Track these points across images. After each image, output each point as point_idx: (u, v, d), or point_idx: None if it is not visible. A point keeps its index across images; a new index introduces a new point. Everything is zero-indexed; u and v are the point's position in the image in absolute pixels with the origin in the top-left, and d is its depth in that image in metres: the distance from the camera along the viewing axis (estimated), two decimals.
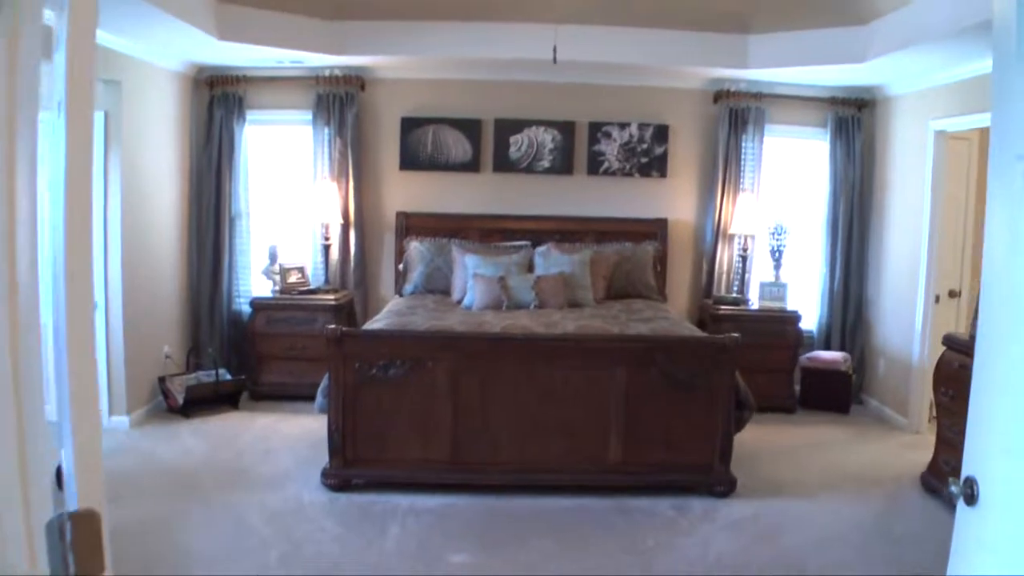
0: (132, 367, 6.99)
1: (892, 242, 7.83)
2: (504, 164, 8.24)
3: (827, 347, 8.21)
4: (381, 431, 5.53)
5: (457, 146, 8.20)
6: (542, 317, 6.46)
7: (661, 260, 8.14)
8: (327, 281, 8.15)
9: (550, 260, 7.53)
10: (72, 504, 1.64)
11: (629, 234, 8.13)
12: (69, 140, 1.64)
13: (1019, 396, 1.93)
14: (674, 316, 6.90)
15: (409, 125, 8.20)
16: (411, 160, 8.24)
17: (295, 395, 7.54)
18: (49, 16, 1.65)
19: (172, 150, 7.70)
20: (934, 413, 6.53)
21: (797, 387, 7.98)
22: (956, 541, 2.22)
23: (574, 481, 5.59)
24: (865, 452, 6.77)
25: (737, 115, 8.10)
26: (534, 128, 8.20)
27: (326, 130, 8.05)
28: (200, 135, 8.08)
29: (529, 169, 8.24)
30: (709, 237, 8.24)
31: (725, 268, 8.26)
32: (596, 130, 8.23)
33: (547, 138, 8.20)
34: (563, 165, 8.24)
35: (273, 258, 7.99)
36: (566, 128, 8.21)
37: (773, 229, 8.00)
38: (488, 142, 8.25)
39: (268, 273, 7.98)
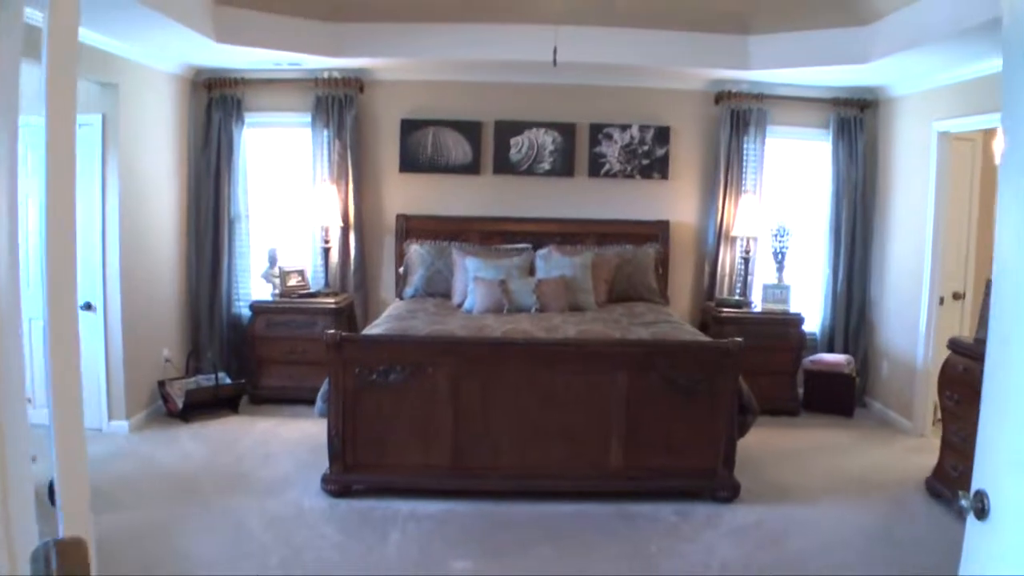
0: (131, 371, 6.96)
1: (895, 244, 7.78)
2: (504, 166, 8.20)
3: (830, 350, 8.17)
4: (381, 436, 5.49)
5: (457, 148, 8.16)
6: (543, 321, 6.41)
7: (663, 262, 8.09)
8: (327, 284, 8.11)
9: (551, 263, 7.48)
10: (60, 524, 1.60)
11: (630, 236, 8.08)
12: (49, 141, 1.60)
13: None
14: (676, 319, 6.85)
15: (409, 127, 8.16)
16: (411, 162, 8.20)
17: (295, 399, 7.51)
18: (35, 16, 1.61)
19: (170, 153, 7.66)
20: (938, 416, 6.47)
21: (800, 390, 7.94)
22: (966, 557, 2.17)
23: (576, 487, 5.54)
24: (869, 456, 6.73)
25: (739, 116, 8.05)
26: (534, 130, 8.16)
27: (325, 132, 8.01)
28: (198, 138, 8.04)
29: (530, 171, 8.20)
30: (711, 239, 8.20)
31: (727, 270, 8.22)
32: (597, 132, 8.19)
33: (548, 140, 8.16)
34: (564, 167, 8.20)
35: (273, 261, 7.96)
36: (567, 130, 8.17)
37: (775, 231, 7.96)
38: (488, 144, 8.21)
39: (268, 276, 7.95)
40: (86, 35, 6.05)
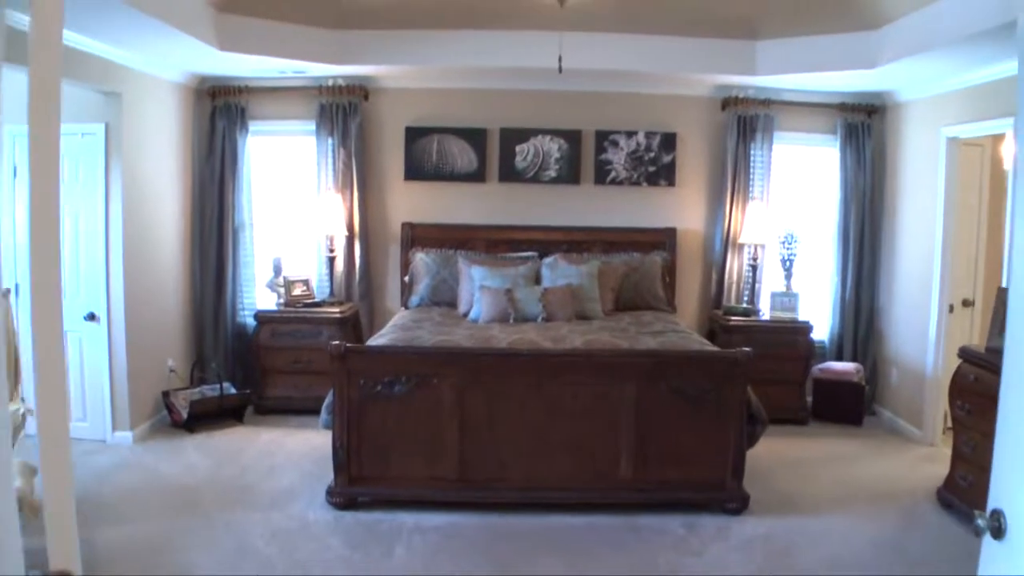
0: (135, 381, 6.93)
1: (904, 250, 7.72)
2: (510, 174, 8.17)
3: (839, 358, 8.11)
4: (387, 448, 5.45)
5: (462, 156, 8.12)
6: (550, 331, 6.36)
7: (670, 270, 8.04)
8: (332, 293, 8.08)
9: (557, 271, 7.44)
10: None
11: (637, 244, 8.04)
12: (33, 146, 1.56)
13: None
14: (684, 328, 6.80)
15: (413, 135, 8.13)
16: (416, 170, 8.17)
17: (301, 409, 7.47)
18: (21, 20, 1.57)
19: (174, 161, 7.64)
20: (948, 424, 6.43)
21: (809, 399, 7.88)
22: None
23: (583, 499, 5.49)
24: (879, 465, 6.66)
25: (745, 122, 8.01)
26: (540, 137, 8.12)
27: (330, 140, 7.99)
28: (202, 146, 8.02)
29: (535, 179, 8.17)
30: (718, 247, 8.14)
31: (735, 278, 8.17)
32: (603, 139, 8.15)
33: (553, 147, 8.13)
34: (570, 174, 8.16)
35: (277, 270, 7.92)
36: (572, 137, 8.13)
37: (783, 238, 7.91)
38: (494, 151, 8.17)
39: (272, 286, 7.91)
40: (88, 44, 6.06)
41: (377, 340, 6.23)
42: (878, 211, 8.11)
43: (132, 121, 6.79)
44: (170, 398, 7.32)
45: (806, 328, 7.72)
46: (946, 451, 6.07)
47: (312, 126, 8.04)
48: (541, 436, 5.42)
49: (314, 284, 8.12)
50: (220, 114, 7.91)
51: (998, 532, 1.99)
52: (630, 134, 8.13)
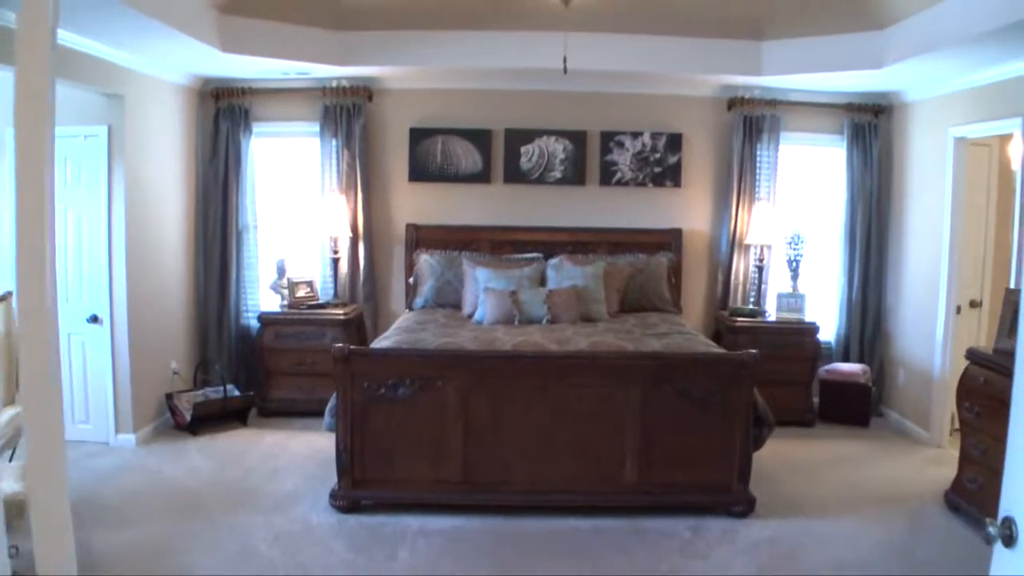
0: (138, 384, 6.91)
1: (911, 251, 7.68)
2: (515, 175, 8.14)
3: (846, 359, 8.06)
4: (390, 451, 5.42)
5: (467, 157, 8.09)
6: (555, 333, 6.32)
7: (676, 272, 8.01)
8: (336, 295, 8.05)
9: (563, 273, 7.40)
10: None
11: (643, 245, 8.00)
12: (18, 146, 1.53)
13: None
14: (690, 330, 6.76)
15: (418, 136, 8.10)
16: (420, 171, 8.14)
17: (304, 411, 7.45)
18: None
19: (178, 163, 7.62)
20: (956, 426, 6.38)
21: (816, 400, 7.83)
22: None
23: (588, 502, 5.45)
24: (886, 468, 6.62)
25: (751, 123, 7.97)
26: (545, 138, 8.09)
27: (334, 142, 7.96)
28: (206, 148, 8.01)
29: (540, 180, 8.14)
30: (724, 247, 8.11)
31: (741, 279, 8.13)
32: (608, 139, 8.12)
33: (558, 148, 8.09)
34: (575, 175, 8.12)
35: (281, 272, 7.90)
36: (577, 138, 8.10)
37: (790, 239, 7.87)
38: (498, 152, 8.15)
39: (276, 287, 7.89)
40: (90, 46, 6.04)
41: (381, 342, 6.20)
42: (885, 211, 8.07)
43: (135, 123, 6.78)
44: (173, 400, 7.31)
45: (813, 329, 7.68)
46: (953, 453, 6.03)
47: (316, 127, 8.02)
48: (546, 439, 5.39)
49: (318, 286, 8.09)
50: (224, 116, 7.89)
51: (1010, 540, 1.95)
52: (636, 135, 8.09)
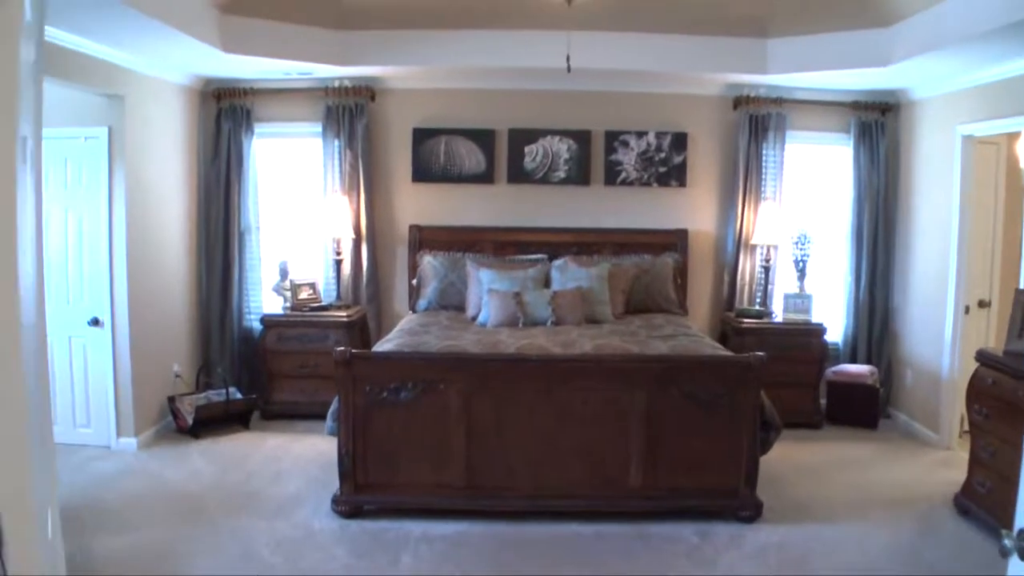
0: (140, 387, 6.87)
1: (919, 250, 7.61)
2: (519, 175, 8.08)
3: (853, 360, 7.99)
4: (393, 455, 5.37)
5: (470, 157, 8.04)
6: (559, 335, 6.26)
7: (681, 272, 7.94)
8: (339, 297, 8.00)
9: (567, 274, 7.34)
10: None
11: (648, 246, 7.93)
12: None
13: None
14: (696, 331, 6.69)
15: (421, 136, 8.04)
16: (423, 172, 8.09)
17: (307, 414, 7.40)
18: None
19: (179, 164, 7.58)
20: (965, 427, 6.31)
21: (823, 402, 7.76)
22: None
23: (593, 507, 5.40)
24: (894, 470, 6.55)
25: (757, 121, 7.90)
26: (549, 138, 8.03)
27: (336, 142, 7.91)
28: (208, 148, 7.96)
29: (544, 180, 8.08)
30: (730, 248, 8.04)
31: (747, 280, 8.06)
32: (613, 139, 8.06)
33: (562, 148, 8.03)
34: (579, 175, 8.06)
35: (284, 274, 7.86)
36: (582, 137, 8.04)
37: (796, 239, 7.80)
38: (502, 152, 8.09)
39: (279, 289, 7.85)
40: (89, 47, 6.00)
41: (383, 345, 6.16)
42: (892, 210, 8.00)
43: (136, 124, 6.73)
44: (175, 403, 7.26)
45: (819, 330, 7.61)
46: (963, 455, 5.97)
47: (318, 128, 7.96)
48: (550, 443, 5.33)
49: (321, 287, 8.04)
50: (225, 116, 7.84)
51: None
52: (640, 134, 8.03)
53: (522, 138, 8.05)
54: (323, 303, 7.87)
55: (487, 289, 7.12)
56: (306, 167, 8.20)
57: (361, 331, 7.85)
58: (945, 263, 7.06)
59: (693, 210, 8.18)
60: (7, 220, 1.63)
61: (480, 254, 7.82)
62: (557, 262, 7.57)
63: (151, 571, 4.69)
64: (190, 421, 7.11)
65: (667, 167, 8.06)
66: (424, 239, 8.03)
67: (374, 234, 8.07)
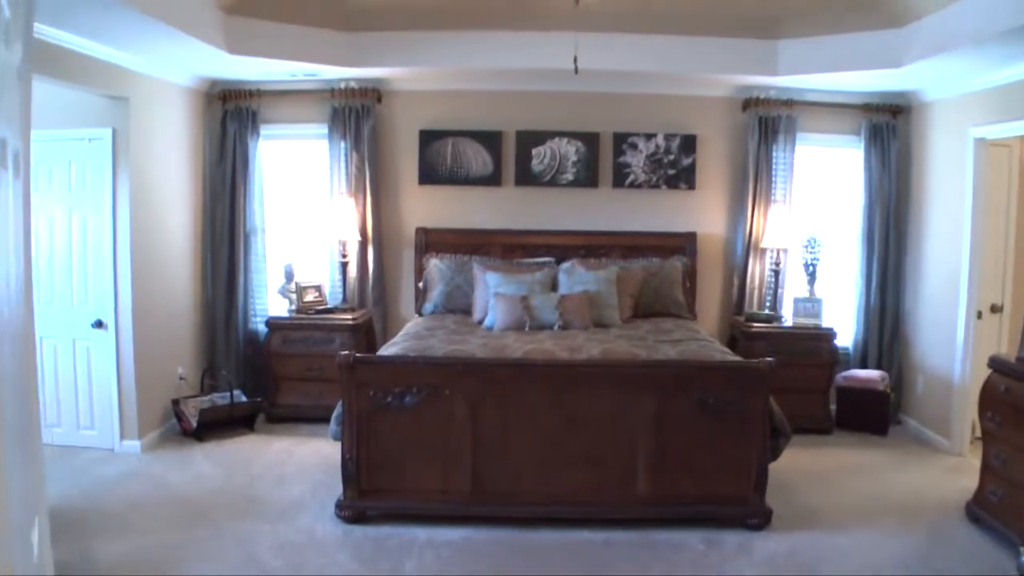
0: (144, 389, 6.83)
1: (930, 254, 7.53)
2: (526, 177, 8.02)
3: (863, 365, 7.92)
4: (397, 461, 5.31)
5: (477, 159, 7.98)
6: (566, 339, 6.20)
7: (690, 276, 7.88)
8: (345, 300, 7.95)
9: (575, 277, 7.28)
10: None
11: (657, 249, 7.87)
12: None
13: None
14: (704, 336, 6.63)
15: (428, 138, 8.00)
16: (430, 174, 8.04)
17: (312, 417, 7.35)
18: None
19: (184, 166, 7.54)
20: (976, 434, 6.23)
21: (833, 407, 7.68)
22: None
23: (600, 513, 5.33)
24: (906, 478, 6.46)
25: (767, 123, 7.83)
26: (557, 140, 7.98)
27: (342, 144, 7.86)
28: (213, 150, 7.93)
29: (552, 182, 8.02)
30: (740, 251, 7.97)
31: (757, 283, 7.99)
32: (621, 141, 8.00)
33: (570, 150, 7.98)
34: (587, 178, 8.00)
35: (289, 276, 7.82)
36: (590, 139, 7.98)
37: (806, 242, 7.73)
38: (509, 155, 8.03)
39: (284, 292, 7.81)
40: (93, 48, 5.97)
41: (389, 349, 6.11)
42: (903, 214, 7.92)
43: (140, 126, 6.70)
44: (180, 406, 7.22)
45: (830, 335, 7.54)
46: (974, 462, 5.90)
47: (324, 129, 7.92)
48: (556, 449, 5.27)
49: (326, 290, 8.00)
50: (231, 118, 7.81)
51: None
52: (649, 136, 7.97)
53: (530, 140, 7.99)
54: (329, 306, 7.83)
55: (494, 293, 7.06)
56: (312, 169, 8.16)
57: (367, 334, 7.80)
58: (957, 267, 6.98)
59: (702, 213, 8.11)
60: None
61: (487, 257, 7.76)
62: (564, 265, 7.52)
63: (152, 574, 4.65)
64: (194, 424, 7.07)
65: (676, 169, 7.99)
66: (430, 242, 7.98)
67: (380, 236, 8.02)
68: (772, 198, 7.89)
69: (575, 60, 5.84)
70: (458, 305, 7.51)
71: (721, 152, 8.09)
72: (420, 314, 7.66)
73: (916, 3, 6.11)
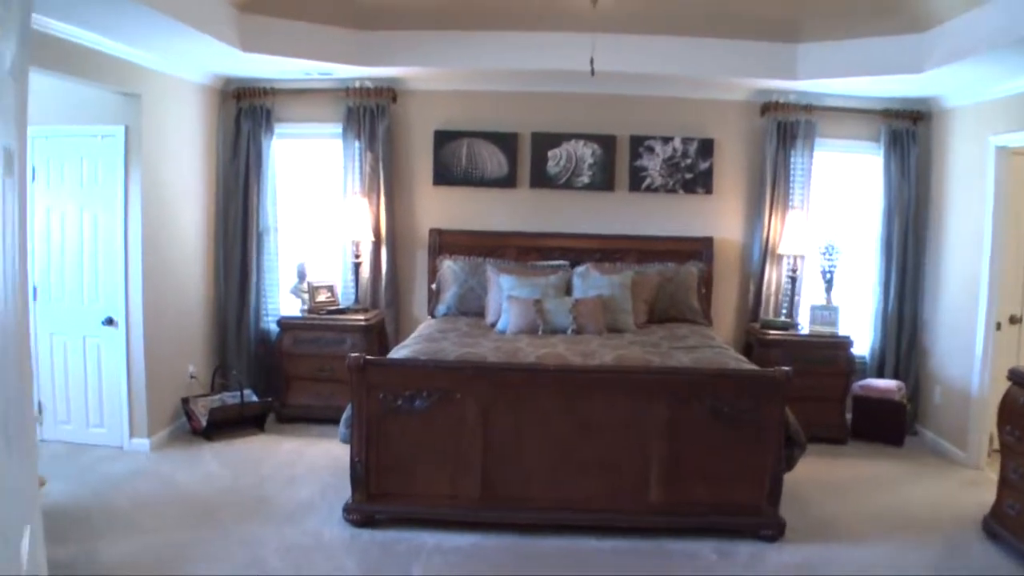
0: (154, 387, 6.81)
1: (949, 263, 7.43)
2: (542, 180, 7.97)
3: (880, 374, 7.82)
4: (407, 465, 5.26)
5: (492, 160, 7.93)
6: (579, 344, 6.14)
7: (706, 281, 7.80)
8: (357, 300, 7.91)
9: (589, 281, 7.21)
10: None
11: (672, 254, 7.80)
12: None
13: None
14: (720, 343, 6.55)
15: (442, 138, 7.95)
16: (445, 175, 7.99)
17: (323, 418, 7.31)
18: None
19: (197, 164, 7.52)
20: (994, 446, 6.14)
21: (848, 416, 7.59)
22: None
23: (611, 521, 5.26)
24: (922, 490, 6.37)
25: (786, 128, 7.76)
26: (573, 142, 7.92)
27: (356, 144, 7.83)
28: (227, 148, 7.90)
29: (568, 185, 7.96)
30: (756, 257, 7.90)
31: (773, 290, 7.91)
32: (638, 144, 7.93)
33: (587, 152, 7.91)
34: (603, 181, 7.94)
35: (302, 276, 7.78)
36: (606, 142, 7.91)
37: (824, 249, 7.64)
38: (525, 156, 7.98)
39: (296, 291, 7.77)
40: (105, 44, 5.95)
41: (400, 351, 6.05)
42: (923, 222, 7.82)
43: (153, 123, 6.67)
44: (190, 405, 7.20)
45: (846, 343, 7.45)
46: (991, 475, 5.82)
47: (339, 129, 7.89)
48: (568, 455, 5.21)
49: (339, 290, 7.97)
50: (245, 116, 7.78)
51: None
52: (666, 140, 7.90)
53: (545, 142, 7.93)
54: (341, 306, 7.79)
55: (507, 295, 7.00)
56: (326, 168, 8.13)
57: (379, 335, 7.76)
58: (976, 277, 6.88)
59: (719, 218, 8.04)
60: None
61: (501, 259, 7.71)
62: (579, 269, 7.45)
63: (156, 575, 4.63)
64: (204, 423, 7.04)
65: (693, 173, 7.92)
66: (444, 243, 7.93)
67: (394, 237, 7.98)
68: (790, 204, 7.81)
69: (592, 62, 5.78)
70: (471, 307, 7.46)
71: (739, 156, 8.01)
72: (433, 316, 7.61)
73: (938, 8, 6.03)
